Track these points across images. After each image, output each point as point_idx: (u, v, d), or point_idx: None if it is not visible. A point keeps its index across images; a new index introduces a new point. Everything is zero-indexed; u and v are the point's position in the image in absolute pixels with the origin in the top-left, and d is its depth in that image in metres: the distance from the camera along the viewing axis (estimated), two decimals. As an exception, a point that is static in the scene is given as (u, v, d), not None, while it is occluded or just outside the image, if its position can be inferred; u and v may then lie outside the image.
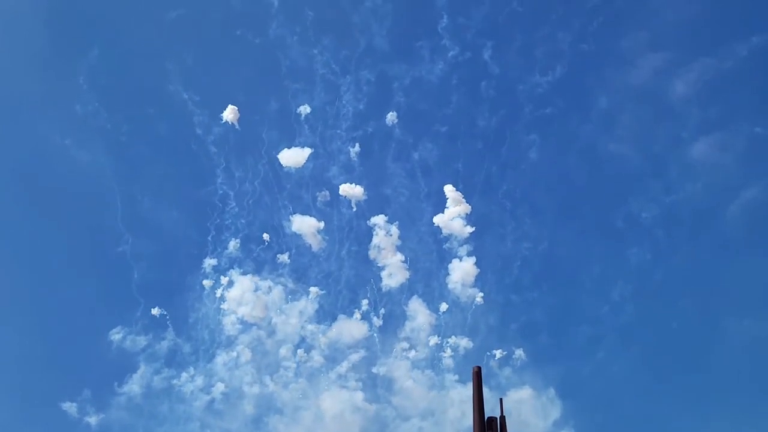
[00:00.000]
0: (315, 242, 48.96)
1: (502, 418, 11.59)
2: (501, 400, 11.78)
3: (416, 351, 47.77)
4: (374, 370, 47.79)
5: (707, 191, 48.84)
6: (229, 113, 48.13)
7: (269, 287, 48.87)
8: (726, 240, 48.71)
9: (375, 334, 48.35)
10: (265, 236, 48.50)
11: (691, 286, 48.88)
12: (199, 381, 46.72)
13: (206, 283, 48.32)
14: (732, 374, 45.79)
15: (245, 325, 48.18)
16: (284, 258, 48.62)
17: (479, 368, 11.79)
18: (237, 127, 48.22)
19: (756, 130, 47.56)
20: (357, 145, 49.40)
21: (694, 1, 51.28)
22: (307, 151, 48.77)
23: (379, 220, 49.02)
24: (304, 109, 49.06)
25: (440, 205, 48.85)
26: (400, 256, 48.80)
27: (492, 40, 49.34)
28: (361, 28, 49.15)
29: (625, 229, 49.92)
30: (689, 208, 49.08)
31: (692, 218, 49.35)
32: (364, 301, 48.65)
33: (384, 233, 48.81)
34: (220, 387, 46.80)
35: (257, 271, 48.89)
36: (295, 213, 49.02)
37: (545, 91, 49.16)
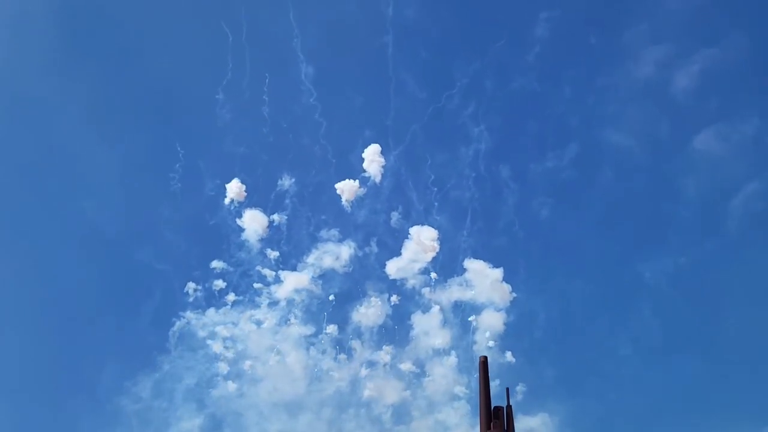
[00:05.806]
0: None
1: (509, 407, 11.72)
2: (507, 389, 11.92)
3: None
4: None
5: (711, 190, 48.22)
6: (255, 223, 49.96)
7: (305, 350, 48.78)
8: (731, 243, 47.85)
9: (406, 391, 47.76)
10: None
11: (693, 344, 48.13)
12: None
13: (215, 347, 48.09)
14: (736, 415, 44.27)
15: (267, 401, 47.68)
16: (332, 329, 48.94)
17: (485, 358, 12.01)
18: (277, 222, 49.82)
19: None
20: (373, 243, 50.62)
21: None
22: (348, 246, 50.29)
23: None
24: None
25: (464, 275, 49.41)
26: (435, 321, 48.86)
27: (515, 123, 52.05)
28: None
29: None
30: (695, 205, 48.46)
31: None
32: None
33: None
34: None
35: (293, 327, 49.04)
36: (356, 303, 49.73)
37: (555, 165, 50.76)
